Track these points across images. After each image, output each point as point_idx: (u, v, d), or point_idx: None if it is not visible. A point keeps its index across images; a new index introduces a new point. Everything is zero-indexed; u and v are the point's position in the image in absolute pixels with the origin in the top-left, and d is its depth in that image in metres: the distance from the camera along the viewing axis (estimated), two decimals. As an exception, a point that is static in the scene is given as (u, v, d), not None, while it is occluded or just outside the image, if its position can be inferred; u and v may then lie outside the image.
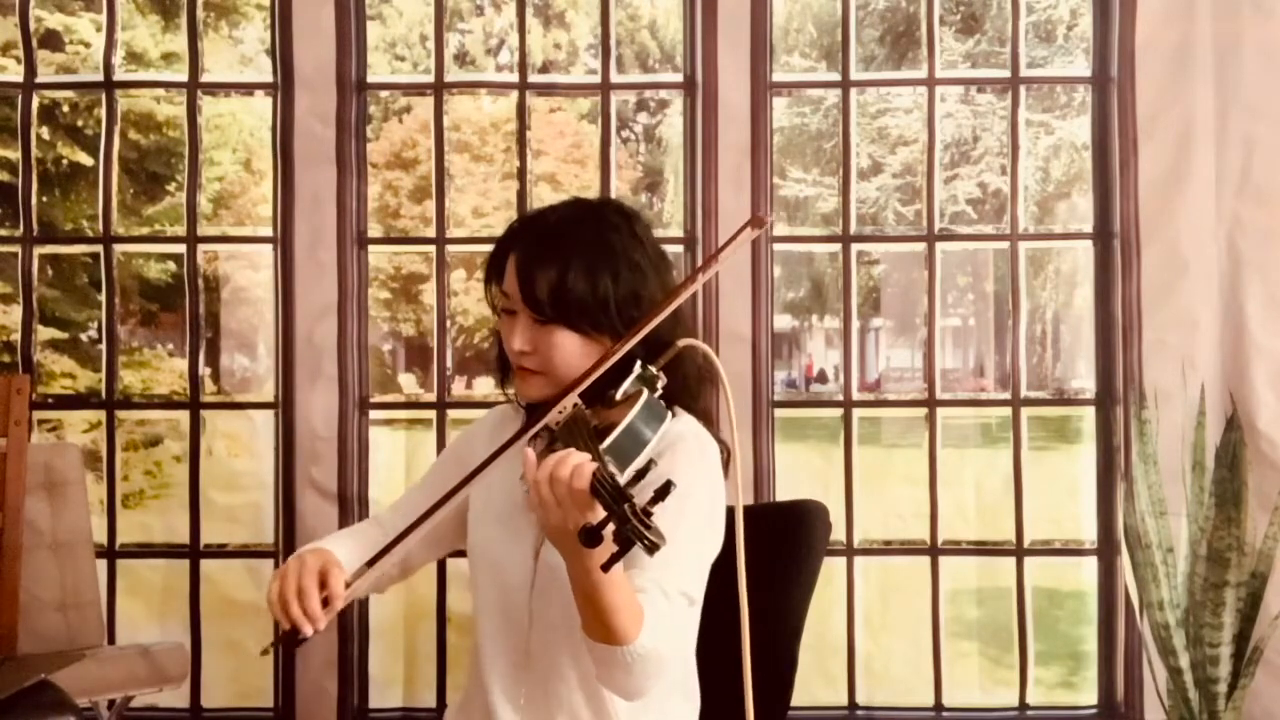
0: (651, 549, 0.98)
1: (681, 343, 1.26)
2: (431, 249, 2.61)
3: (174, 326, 3.01)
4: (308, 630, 1.19)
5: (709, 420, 1.40)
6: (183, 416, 2.59)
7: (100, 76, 2.57)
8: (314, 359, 2.50)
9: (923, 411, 2.60)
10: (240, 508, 2.59)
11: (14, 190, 2.59)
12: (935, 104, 2.59)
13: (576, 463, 1.07)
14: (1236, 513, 2.12)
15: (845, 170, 2.60)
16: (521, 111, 2.60)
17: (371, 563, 1.25)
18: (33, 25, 2.58)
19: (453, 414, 2.58)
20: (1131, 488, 2.23)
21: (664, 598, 1.20)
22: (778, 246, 2.58)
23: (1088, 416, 2.55)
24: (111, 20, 2.57)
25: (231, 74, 2.73)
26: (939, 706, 2.54)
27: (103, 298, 2.59)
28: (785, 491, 2.49)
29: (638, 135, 4.69)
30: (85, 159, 3.08)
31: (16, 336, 2.57)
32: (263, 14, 2.65)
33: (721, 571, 1.27)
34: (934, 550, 2.56)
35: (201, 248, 2.59)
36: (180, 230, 2.60)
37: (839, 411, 2.59)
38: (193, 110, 2.58)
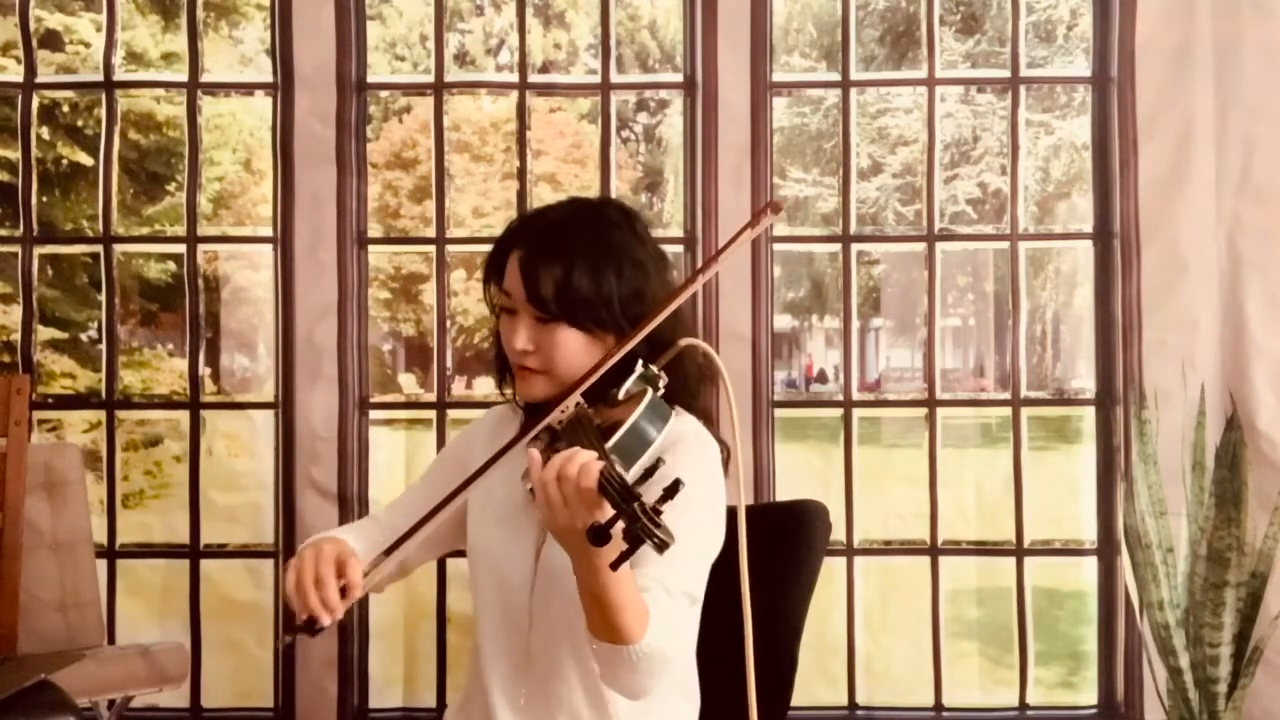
0: (661, 547, 0.98)
1: (683, 342, 1.26)
2: (431, 249, 2.61)
3: (174, 326, 3.01)
4: (326, 620, 1.17)
5: (709, 420, 1.40)
6: (183, 416, 2.59)
7: (100, 76, 2.57)
8: (314, 359, 2.50)
9: (923, 411, 2.60)
10: (240, 508, 2.59)
11: (14, 190, 2.59)
12: (935, 104, 2.59)
13: (584, 461, 1.07)
14: (1236, 513, 2.12)
15: (845, 170, 2.60)
16: (521, 111, 2.60)
17: (389, 551, 1.23)
18: (33, 25, 2.58)
19: (453, 414, 2.58)
20: (1131, 488, 2.23)
21: (667, 596, 1.19)
22: (778, 246, 2.58)
23: (1088, 416, 2.55)
24: (111, 20, 2.57)
25: (231, 74, 2.73)
26: (939, 706, 2.54)
27: (103, 298, 2.58)
28: (785, 491, 2.49)
29: (638, 135, 4.69)
30: (85, 159, 3.09)
31: (16, 336, 2.57)
32: (263, 14, 2.65)
33: (722, 571, 1.27)
34: (934, 550, 2.56)
35: (201, 248, 2.59)
36: (180, 230, 2.60)
37: (839, 411, 2.59)
38: (193, 110, 2.58)
